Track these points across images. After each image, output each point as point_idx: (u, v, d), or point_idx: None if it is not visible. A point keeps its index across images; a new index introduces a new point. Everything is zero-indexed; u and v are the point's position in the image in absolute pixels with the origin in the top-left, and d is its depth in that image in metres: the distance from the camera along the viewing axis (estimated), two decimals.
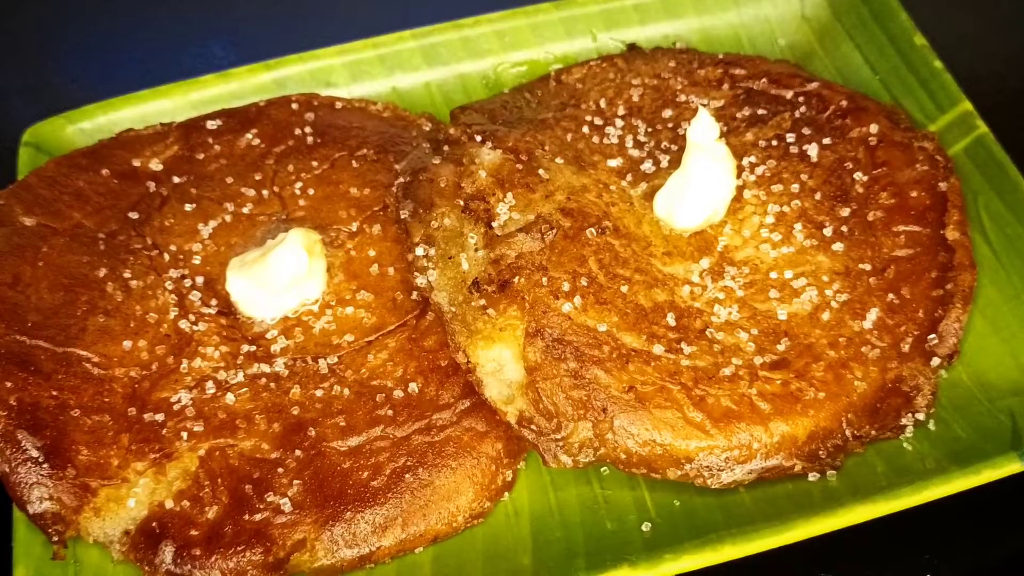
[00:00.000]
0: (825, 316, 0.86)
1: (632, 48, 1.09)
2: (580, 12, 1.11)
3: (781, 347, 0.84)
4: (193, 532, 0.78)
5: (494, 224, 0.87)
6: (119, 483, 0.80)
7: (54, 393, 0.82)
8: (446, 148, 0.94)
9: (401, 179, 0.93)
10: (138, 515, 0.79)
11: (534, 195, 0.89)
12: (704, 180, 0.89)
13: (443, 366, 0.85)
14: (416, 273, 0.86)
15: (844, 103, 0.99)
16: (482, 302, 0.83)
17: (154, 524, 0.79)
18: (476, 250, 0.86)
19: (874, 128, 0.96)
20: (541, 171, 0.91)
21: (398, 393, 0.84)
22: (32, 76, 1.22)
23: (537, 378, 0.80)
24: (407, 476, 0.80)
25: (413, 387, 0.84)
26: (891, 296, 0.87)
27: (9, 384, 0.81)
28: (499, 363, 0.82)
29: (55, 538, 0.78)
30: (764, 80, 1.03)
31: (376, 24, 1.11)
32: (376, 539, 0.79)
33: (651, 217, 0.91)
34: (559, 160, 0.93)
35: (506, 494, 0.83)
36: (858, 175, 0.94)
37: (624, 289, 0.85)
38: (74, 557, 0.79)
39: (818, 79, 1.03)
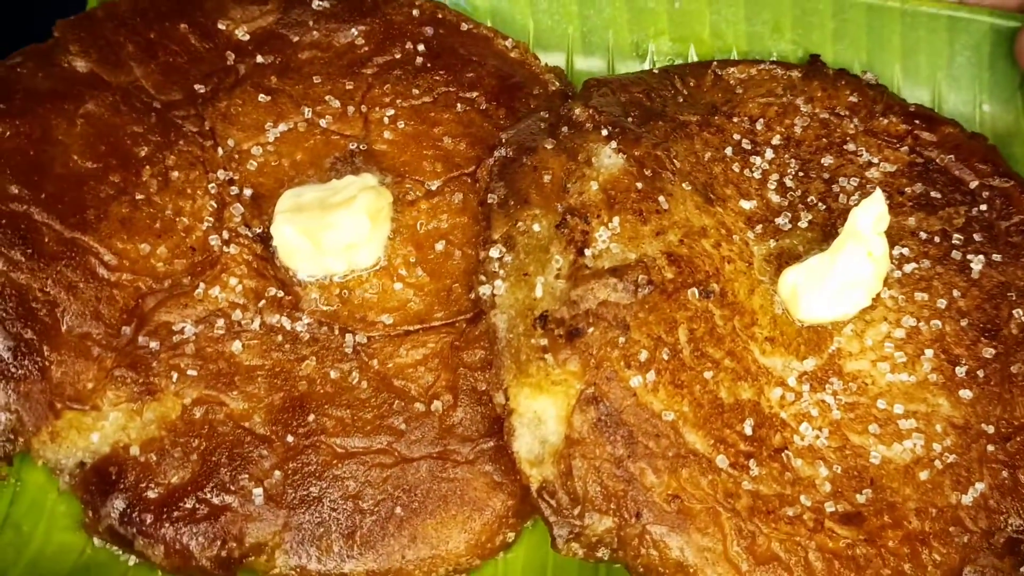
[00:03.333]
0: (923, 475, 0.73)
1: (815, 61, 0.92)
2: None
3: (861, 498, 0.71)
4: (150, 493, 0.69)
5: (587, 252, 0.74)
6: (87, 410, 0.71)
7: (47, 286, 0.72)
8: (564, 130, 0.80)
9: (502, 151, 0.79)
10: (99, 450, 0.70)
11: (644, 228, 0.75)
12: (851, 278, 0.75)
13: (480, 390, 0.74)
14: (482, 277, 0.74)
15: None
16: (543, 342, 0.71)
17: (112, 468, 0.70)
18: (557, 277, 0.73)
19: None
20: (661, 198, 0.77)
21: (419, 406, 0.73)
22: None
23: (575, 453, 0.69)
24: (398, 509, 0.70)
25: (436, 405, 0.73)
26: (1005, 474, 0.74)
27: (0, 264, 0.71)
28: (540, 418, 0.70)
29: (1, 453, 0.69)
30: (951, 156, 0.86)
31: None
32: (340, 563, 0.70)
33: (766, 288, 0.77)
34: (686, 186, 0.79)
35: (501, 554, 0.73)
36: (1018, 312, 0.79)
37: (708, 375, 0.72)
38: (16, 475, 0.71)
39: (1014, 176, 0.86)
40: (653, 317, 0.72)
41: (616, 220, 0.75)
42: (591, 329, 0.71)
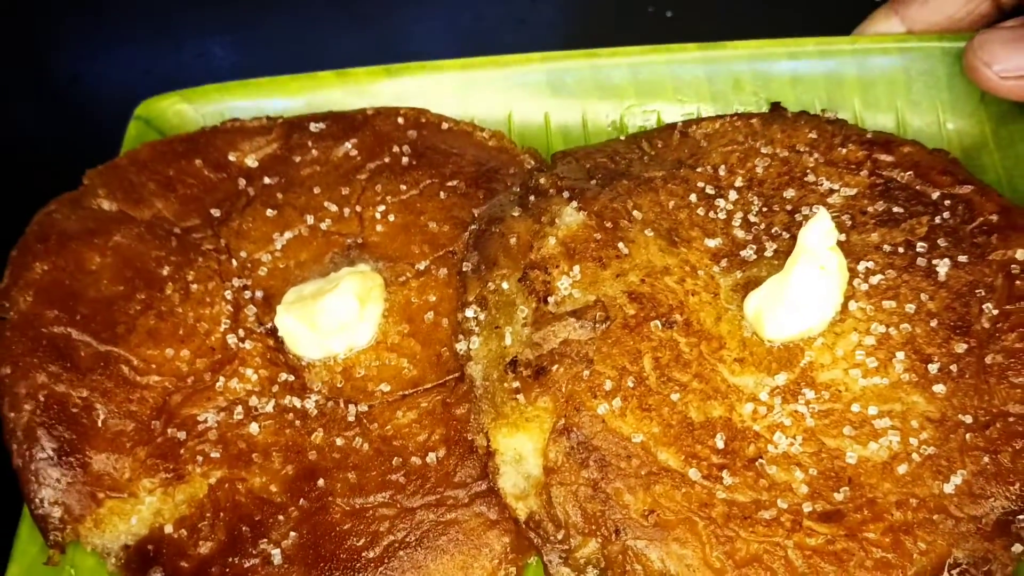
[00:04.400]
0: (902, 469, 0.75)
1: (775, 108, 0.98)
2: (724, 54, 1.00)
3: (839, 496, 0.74)
4: (183, 564, 0.77)
5: (550, 299, 0.80)
6: (126, 497, 0.80)
7: (84, 393, 0.82)
8: (531, 199, 0.88)
9: (475, 225, 0.87)
10: (138, 532, 0.79)
11: (604, 272, 0.82)
12: (807, 292, 0.79)
13: (470, 440, 0.80)
14: (459, 336, 0.81)
15: (995, 217, 0.86)
16: (515, 384, 0.77)
17: (150, 546, 0.78)
18: (523, 325, 0.80)
19: (1021, 254, 0.83)
20: (621, 244, 0.84)
21: (415, 460, 0.79)
22: (34, 78, 1.23)
23: (553, 481, 0.74)
24: (401, 553, 0.76)
25: (432, 457, 0.79)
26: (987, 459, 0.75)
27: (42, 378, 0.82)
28: (520, 454, 0.76)
29: (52, 542, 0.78)
30: (911, 172, 0.90)
31: (381, 21, 1.05)
32: None
33: (734, 314, 0.82)
34: (648, 232, 0.85)
35: None
36: (987, 306, 0.81)
37: (675, 397, 0.77)
38: (71, 563, 0.80)
39: (974, 181, 0.89)
40: (616, 350, 0.78)
41: (577, 268, 0.82)
42: (556, 367, 0.77)
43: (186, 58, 1.27)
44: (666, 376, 0.78)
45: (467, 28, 1.06)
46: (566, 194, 0.87)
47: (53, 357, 0.83)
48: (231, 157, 0.97)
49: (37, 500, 0.79)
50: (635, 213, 0.86)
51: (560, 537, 0.74)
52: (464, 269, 0.84)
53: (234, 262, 0.90)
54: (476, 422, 0.77)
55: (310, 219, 0.92)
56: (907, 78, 0.99)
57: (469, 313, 0.81)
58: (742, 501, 0.74)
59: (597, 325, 0.78)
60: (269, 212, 0.93)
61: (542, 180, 0.89)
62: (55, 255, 0.88)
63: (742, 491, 0.74)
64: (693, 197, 0.89)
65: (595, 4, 1.04)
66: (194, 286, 0.88)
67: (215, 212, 0.93)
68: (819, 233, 0.80)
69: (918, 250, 0.85)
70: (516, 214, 0.86)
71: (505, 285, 0.82)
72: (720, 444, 0.76)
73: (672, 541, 0.72)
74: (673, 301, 0.81)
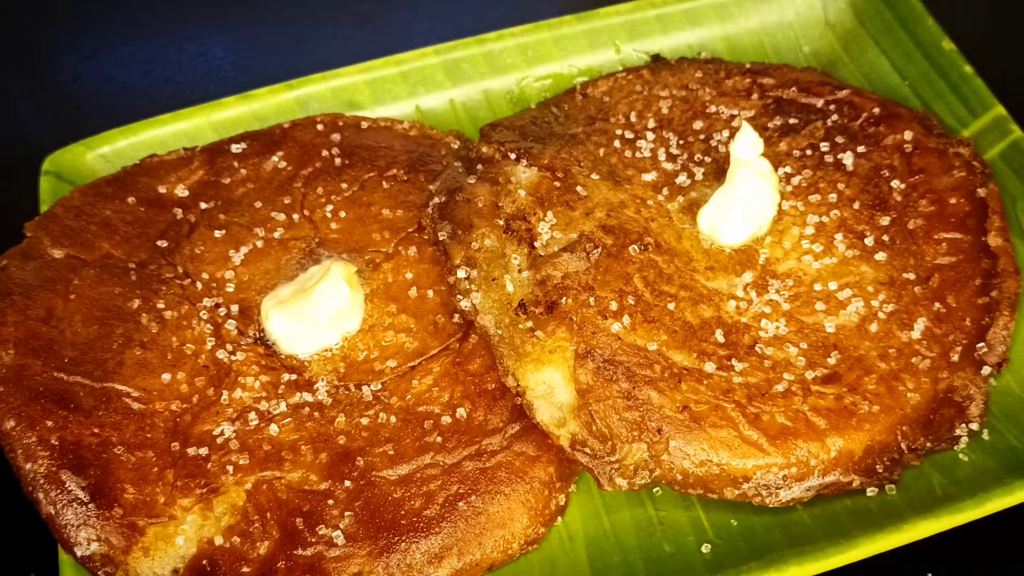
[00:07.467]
0: (873, 327, 0.85)
1: (656, 59, 1.08)
2: (603, 24, 1.10)
3: (831, 360, 0.83)
4: (245, 569, 0.77)
5: (537, 244, 0.86)
6: (167, 520, 0.78)
7: (95, 430, 0.80)
8: (479, 167, 0.93)
9: (436, 199, 0.91)
10: (187, 553, 0.78)
11: (574, 213, 0.88)
12: (750, 196, 0.88)
13: (490, 390, 0.84)
14: (458, 296, 0.85)
15: (876, 110, 0.98)
16: (529, 324, 0.82)
17: (204, 562, 0.77)
18: (520, 271, 0.85)
19: (908, 135, 0.96)
20: (579, 188, 0.90)
21: (446, 419, 0.82)
22: (34, 78, 1.20)
23: (590, 400, 0.79)
24: (460, 504, 0.79)
25: (461, 412, 0.82)
26: (937, 305, 0.86)
27: (50, 423, 0.80)
28: (549, 386, 0.80)
29: None
30: (793, 89, 1.02)
31: (381, 21, 1.10)
32: (432, 569, 0.77)
33: (690, 231, 0.90)
34: (595, 176, 0.92)
35: (559, 519, 0.82)
36: (895, 183, 0.93)
37: (671, 307, 0.84)
38: None
39: (848, 86, 1.02)
40: (609, 276, 0.84)
41: (550, 214, 0.88)
42: (564, 299, 0.82)
43: (186, 58, 1.24)
44: (657, 291, 0.85)
45: (469, 29, 1.09)
46: (512, 155, 0.93)
47: (54, 403, 0.81)
48: (161, 190, 0.97)
49: (80, 541, 0.76)
50: (579, 161, 0.93)
51: (608, 449, 0.78)
52: (441, 238, 0.88)
53: (198, 284, 0.90)
54: (501, 367, 0.81)
55: (260, 232, 0.93)
56: (760, 18, 1.11)
57: (461, 274, 0.85)
58: (755, 382, 0.81)
59: (591, 255, 0.84)
60: (217, 234, 0.93)
61: (484, 149, 0.94)
62: (23, 308, 0.85)
63: (753, 374, 0.81)
64: (616, 143, 0.97)
65: (595, 3, 1.11)
66: (167, 313, 0.88)
67: (162, 243, 0.93)
68: (748, 144, 0.89)
69: (822, 150, 0.96)
70: (473, 181, 0.91)
71: (488, 242, 0.86)
72: (721, 339, 0.83)
73: (709, 427, 0.79)
74: (639, 228, 0.88)
